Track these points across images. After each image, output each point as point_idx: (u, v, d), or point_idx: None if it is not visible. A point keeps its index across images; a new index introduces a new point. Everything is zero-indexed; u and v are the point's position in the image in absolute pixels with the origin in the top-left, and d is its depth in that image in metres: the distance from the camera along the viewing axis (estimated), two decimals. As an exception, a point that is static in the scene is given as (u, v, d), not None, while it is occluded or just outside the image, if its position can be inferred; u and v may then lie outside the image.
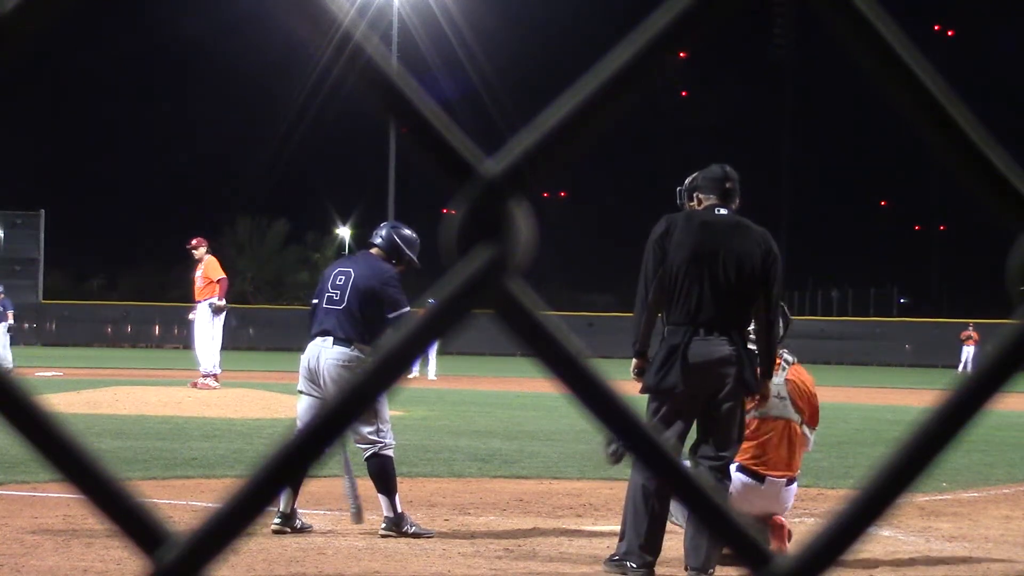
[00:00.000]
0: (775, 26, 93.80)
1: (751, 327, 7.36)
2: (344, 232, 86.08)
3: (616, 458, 7.09)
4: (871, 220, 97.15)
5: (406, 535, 8.26)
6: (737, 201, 7.45)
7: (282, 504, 8.41)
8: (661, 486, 7.10)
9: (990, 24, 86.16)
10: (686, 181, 7.56)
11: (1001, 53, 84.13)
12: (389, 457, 8.48)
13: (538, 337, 0.75)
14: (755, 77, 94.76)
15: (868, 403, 25.84)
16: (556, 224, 73.18)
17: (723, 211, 7.35)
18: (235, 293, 76.34)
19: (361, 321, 8.48)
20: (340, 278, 8.61)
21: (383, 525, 8.37)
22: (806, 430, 8.19)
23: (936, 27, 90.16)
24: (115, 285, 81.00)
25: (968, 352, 47.71)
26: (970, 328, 48.90)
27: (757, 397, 7.40)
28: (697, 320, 7.14)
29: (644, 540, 7.11)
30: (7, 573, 6.87)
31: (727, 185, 7.37)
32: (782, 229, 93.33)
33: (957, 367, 45.64)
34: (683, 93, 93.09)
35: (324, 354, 8.48)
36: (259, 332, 61.92)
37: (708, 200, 7.37)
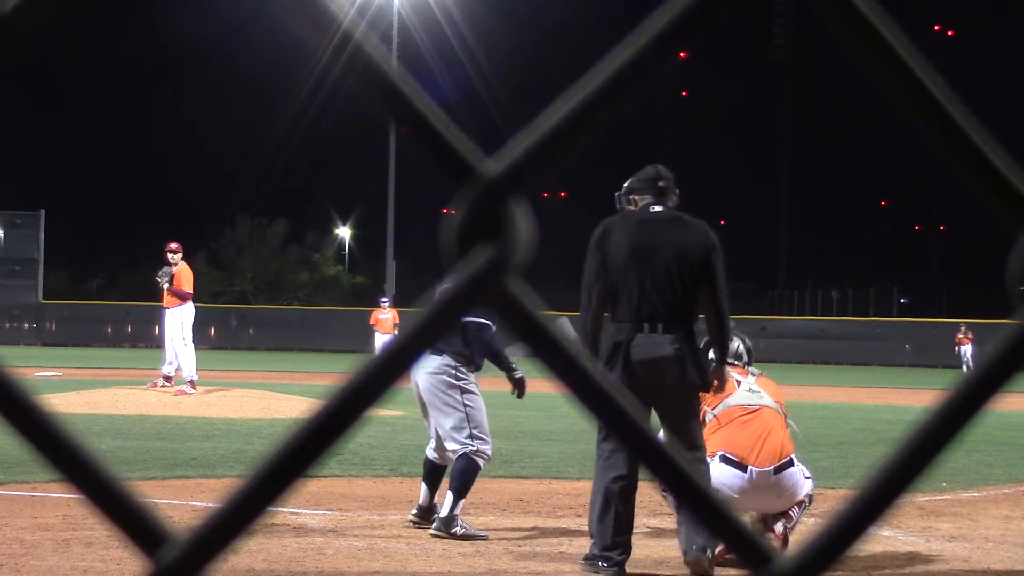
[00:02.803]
0: (775, 26, 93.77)
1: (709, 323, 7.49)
2: (344, 232, 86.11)
3: (660, 489, 7.38)
4: (871, 220, 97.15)
5: (454, 536, 8.27)
6: (674, 199, 7.59)
7: (421, 498, 8.73)
8: (625, 488, 7.25)
9: (990, 24, 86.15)
10: (624, 186, 7.70)
11: (1001, 53, 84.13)
12: (477, 464, 8.50)
13: (538, 337, 0.75)
14: (755, 77, 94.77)
15: (868, 403, 25.82)
16: (556, 224, 73.14)
17: (658, 208, 7.49)
18: (235, 293, 76.64)
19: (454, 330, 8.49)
20: None
21: (434, 524, 8.42)
22: (792, 423, 8.23)
23: (936, 27, 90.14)
24: (115, 285, 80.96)
25: (966, 351, 47.71)
26: (964, 328, 48.95)
27: (711, 391, 7.51)
28: (640, 315, 7.25)
29: (611, 541, 7.25)
30: (7, 573, 6.87)
31: (660, 184, 7.52)
32: (782, 229, 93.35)
33: (957, 367, 45.62)
34: (683, 93, 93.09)
35: (421, 363, 8.51)
36: (259, 332, 61.89)
37: (644, 200, 7.54)
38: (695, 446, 7.33)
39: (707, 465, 7.46)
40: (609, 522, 7.27)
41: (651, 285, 7.26)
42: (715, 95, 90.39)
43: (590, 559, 7.35)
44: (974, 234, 69.62)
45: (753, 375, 8.23)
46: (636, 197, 7.57)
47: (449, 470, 8.66)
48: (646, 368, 7.19)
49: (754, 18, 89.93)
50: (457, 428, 8.49)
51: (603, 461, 7.45)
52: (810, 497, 8.12)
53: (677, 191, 7.63)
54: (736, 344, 8.37)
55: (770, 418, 8.00)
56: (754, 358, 8.55)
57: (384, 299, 38.77)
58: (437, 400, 8.51)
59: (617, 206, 7.71)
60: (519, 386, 8.87)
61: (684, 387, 7.27)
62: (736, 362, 8.29)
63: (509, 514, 9.50)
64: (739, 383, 8.08)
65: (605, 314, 7.41)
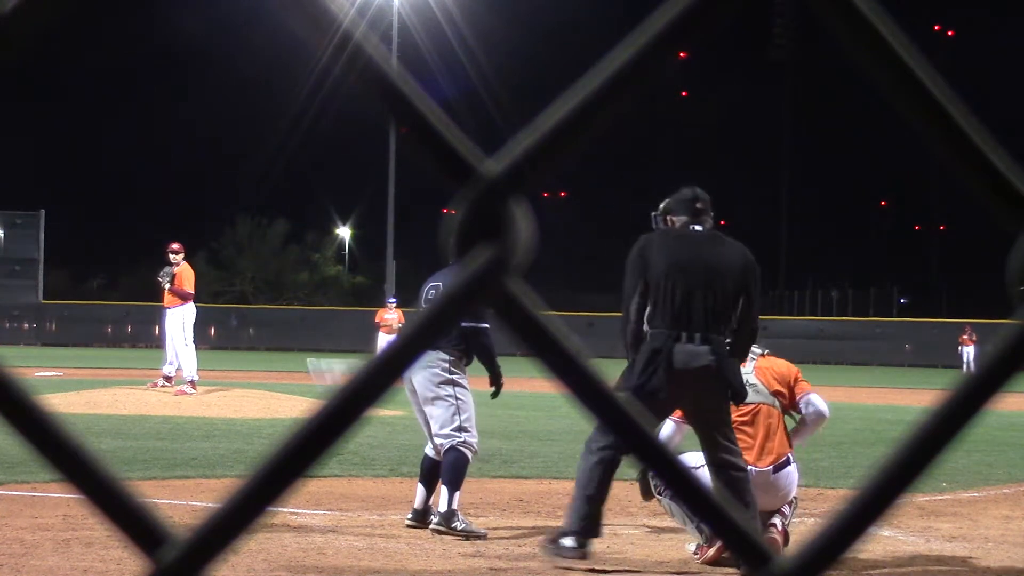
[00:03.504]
0: (775, 26, 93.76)
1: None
2: (344, 232, 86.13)
3: (655, 492, 7.48)
4: (871, 220, 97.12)
5: (454, 532, 8.33)
6: (709, 221, 7.75)
7: (417, 501, 8.76)
8: (603, 472, 7.37)
9: (990, 24, 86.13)
10: (660, 207, 7.84)
11: (1001, 53, 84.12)
12: (466, 456, 8.59)
13: (538, 337, 0.75)
14: (755, 77, 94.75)
15: (868, 403, 25.83)
16: (556, 224, 73.17)
17: (698, 227, 7.66)
18: (235, 293, 76.64)
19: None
20: (431, 293, 8.75)
21: (435, 520, 8.48)
22: (794, 414, 8.22)
23: (936, 27, 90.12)
24: (115, 285, 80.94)
25: (968, 352, 47.69)
26: (968, 330, 48.91)
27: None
28: (678, 325, 7.38)
29: (583, 525, 7.33)
30: (7, 573, 6.87)
31: (697, 205, 7.69)
32: (782, 229, 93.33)
33: (957, 367, 45.60)
34: (683, 93, 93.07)
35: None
36: (259, 332, 61.88)
37: (680, 220, 7.69)
38: (733, 455, 7.43)
39: (747, 476, 7.49)
40: (583, 504, 7.39)
41: (689, 296, 7.39)
42: (715, 95, 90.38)
43: (553, 542, 7.45)
44: (974, 234, 69.60)
45: (753, 359, 8.19)
46: (673, 218, 7.72)
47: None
48: (683, 377, 7.30)
49: (754, 18, 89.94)
50: (447, 421, 8.58)
51: (589, 448, 7.55)
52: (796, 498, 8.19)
53: (712, 214, 7.79)
54: None
55: (768, 416, 8.02)
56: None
57: (391, 299, 38.78)
58: (430, 393, 8.60)
59: (653, 226, 7.87)
60: (499, 389, 8.99)
61: (718, 397, 7.41)
62: None
63: (509, 514, 9.50)
64: None
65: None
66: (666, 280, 7.40)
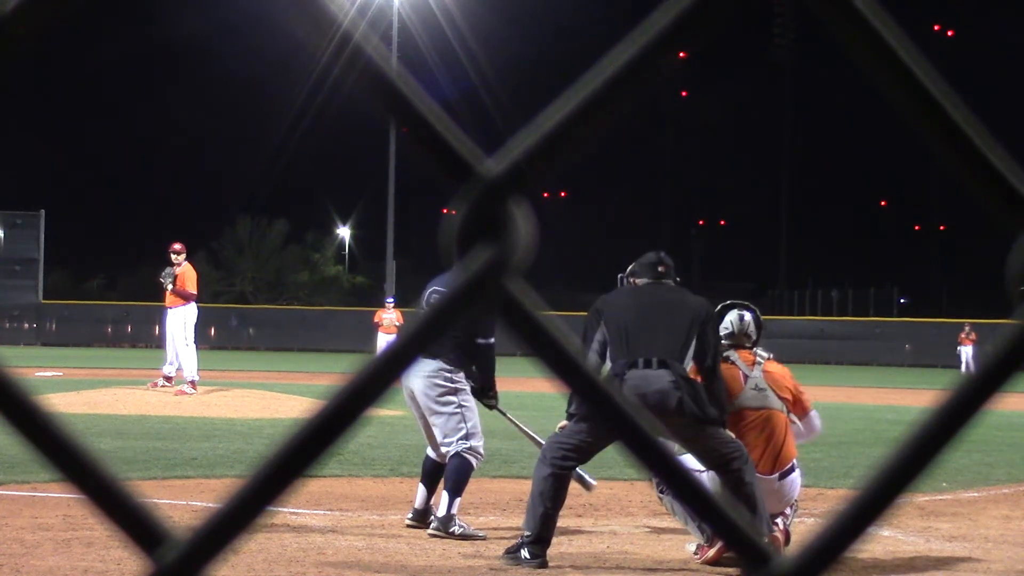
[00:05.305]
0: (775, 26, 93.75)
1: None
2: (344, 232, 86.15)
3: (657, 491, 7.57)
4: (871, 220, 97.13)
5: (452, 536, 8.32)
6: (671, 284, 7.96)
7: (417, 501, 8.79)
8: (556, 484, 7.56)
9: (990, 24, 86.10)
10: (628, 269, 8.14)
11: (1001, 53, 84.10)
12: (471, 463, 8.60)
13: (538, 337, 0.75)
14: (755, 77, 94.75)
15: (868, 403, 25.82)
16: (556, 224, 73.16)
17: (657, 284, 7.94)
18: (235, 293, 76.65)
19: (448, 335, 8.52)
20: (433, 297, 8.72)
21: (433, 524, 8.48)
22: (795, 419, 8.21)
23: (936, 27, 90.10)
24: (115, 285, 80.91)
25: (967, 352, 47.67)
26: (967, 328, 48.86)
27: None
28: (635, 354, 7.53)
29: (539, 534, 7.46)
30: (7, 573, 6.87)
31: (660, 268, 7.96)
32: (782, 229, 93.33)
33: (957, 367, 45.59)
34: (683, 93, 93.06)
35: (415, 369, 8.53)
36: (259, 332, 61.83)
37: (643, 282, 7.98)
38: (727, 461, 7.44)
39: (749, 466, 7.49)
40: (538, 514, 7.49)
41: (643, 329, 7.58)
42: (715, 95, 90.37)
43: (512, 551, 7.52)
44: (974, 234, 69.58)
45: (760, 363, 8.16)
46: (636, 280, 7.98)
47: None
48: (641, 401, 7.25)
49: (754, 18, 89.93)
50: (452, 430, 8.55)
51: (543, 458, 7.68)
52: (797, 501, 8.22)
53: (678, 279, 8.02)
54: (747, 322, 8.33)
55: (775, 421, 8.01)
56: (762, 334, 8.52)
57: (389, 299, 38.81)
58: (433, 403, 8.56)
59: (619, 286, 8.21)
60: (491, 399, 8.93)
61: (682, 418, 7.38)
62: (745, 343, 8.26)
63: (509, 514, 9.50)
64: (746, 378, 8.04)
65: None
66: (622, 319, 7.61)
